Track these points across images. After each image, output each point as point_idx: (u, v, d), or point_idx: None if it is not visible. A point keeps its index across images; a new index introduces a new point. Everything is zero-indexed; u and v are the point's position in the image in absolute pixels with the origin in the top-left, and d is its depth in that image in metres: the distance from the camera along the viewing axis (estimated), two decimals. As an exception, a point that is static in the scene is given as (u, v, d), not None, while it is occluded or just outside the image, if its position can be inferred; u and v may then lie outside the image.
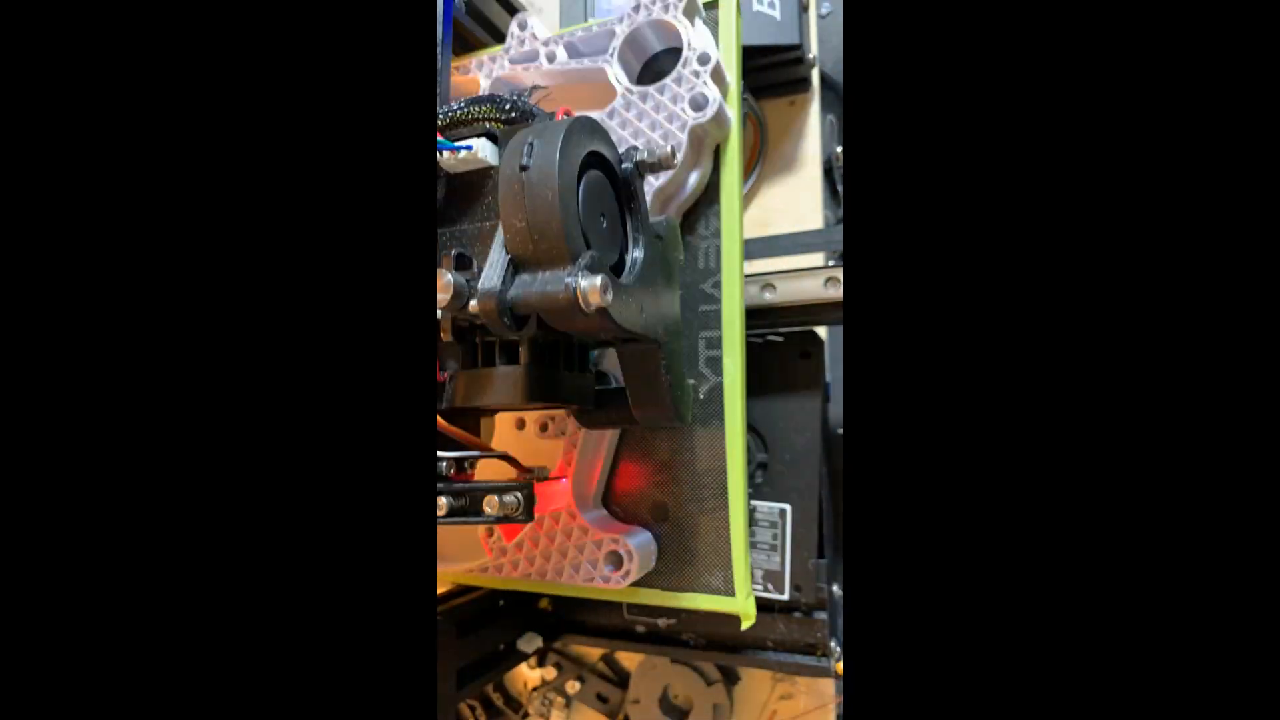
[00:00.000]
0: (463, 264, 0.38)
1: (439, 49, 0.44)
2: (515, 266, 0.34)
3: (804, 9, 0.74)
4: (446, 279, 0.34)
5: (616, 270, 0.38)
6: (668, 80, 0.49)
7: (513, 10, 0.68)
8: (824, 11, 0.81)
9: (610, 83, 0.51)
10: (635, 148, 0.41)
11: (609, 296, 0.32)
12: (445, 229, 0.41)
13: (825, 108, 0.79)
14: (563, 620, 0.75)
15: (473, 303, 0.33)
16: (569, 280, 0.32)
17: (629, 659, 0.78)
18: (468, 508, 0.39)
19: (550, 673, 0.80)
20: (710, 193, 0.50)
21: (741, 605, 0.48)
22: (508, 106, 0.40)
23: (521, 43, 0.56)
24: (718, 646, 0.70)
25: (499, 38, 0.68)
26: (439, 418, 0.40)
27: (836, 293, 0.58)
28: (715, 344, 0.49)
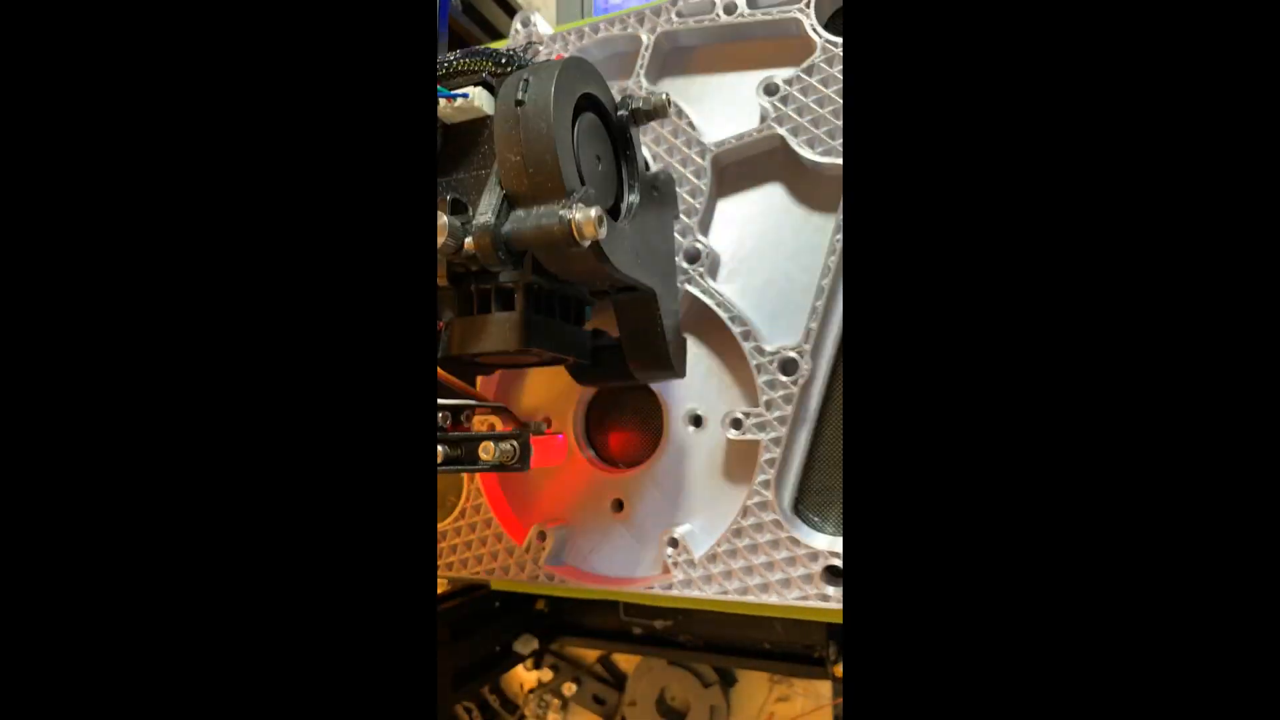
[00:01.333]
0: (458, 209, 0.38)
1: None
2: (510, 203, 0.35)
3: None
4: (442, 220, 0.34)
5: (613, 214, 0.39)
6: None
7: (510, 9, 0.66)
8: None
9: (806, 35, 0.47)
10: (630, 95, 0.41)
11: (603, 231, 0.33)
12: (442, 178, 0.40)
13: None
14: (559, 622, 0.74)
15: (467, 240, 0.34)
16: (563, 213, 0.33)
17: (626, 661, 0.77)
18: (463, 456, 0.40)
19: (547, 674, 0.79)
20: None
21: None
22: (504, 60, 0.40)
23: (691, -9, 0.51)
24: (714, 648, 0.70)
25: (495, 36, 0.66)
26: (438, 367, 0.41)
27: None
28: None
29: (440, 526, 0.56)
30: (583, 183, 0.35)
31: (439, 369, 0.41)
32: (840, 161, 0.45)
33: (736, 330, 0.46)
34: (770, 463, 0.45)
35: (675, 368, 0.44)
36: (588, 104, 0.38)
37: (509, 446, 0.40)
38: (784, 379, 0.44)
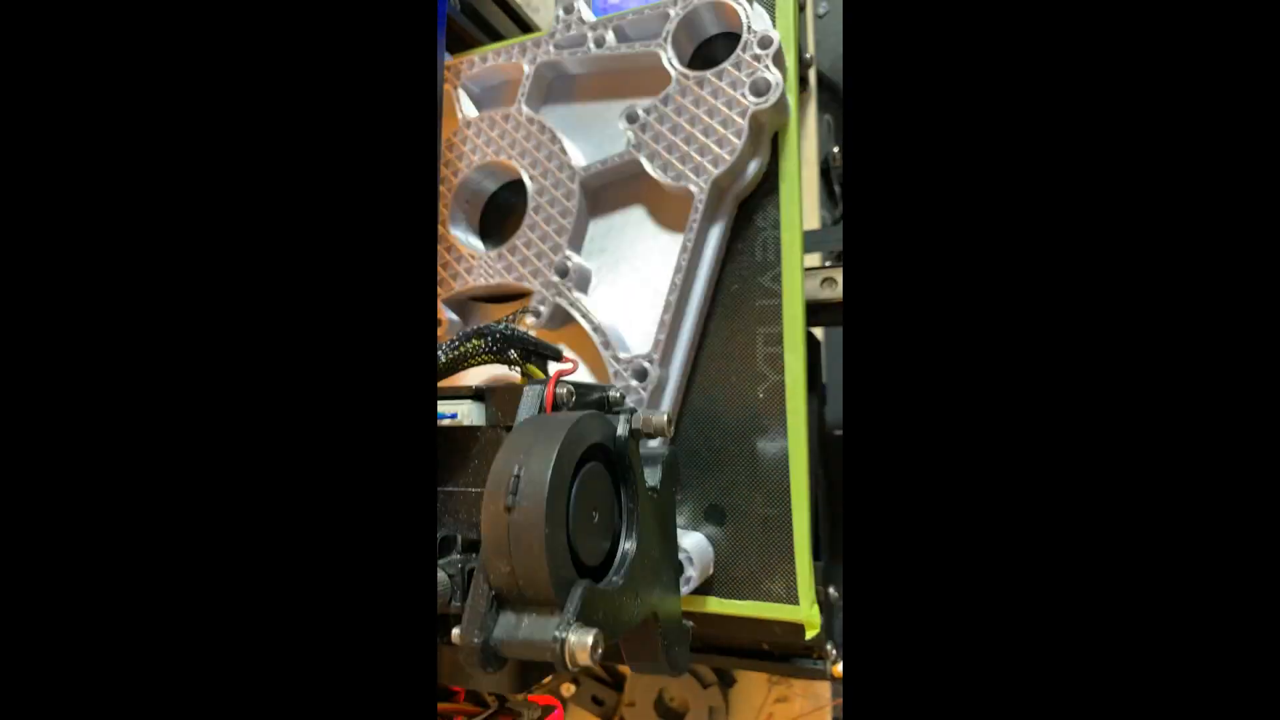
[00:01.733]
0: (446, 547, 0.37)
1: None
2: (499, 600, 0.32)
3: (801, 8, 0.74)
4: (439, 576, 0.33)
5: (605, 566, 0.36)
6: (726, 65, 0.48)
7: (509, 10, 0.68)
8: (821, 11, 0.81)
9: (664, 68, 0.50)
10: (632, 410, 0.39)
11: (599, 654, 0.30)
12: (439, 487, 0.40)
13: (821, 108, 0.79)
14: None
15: (455, 631, 0.32)
16: (557, 633, 0.30)
17: None
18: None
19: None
20: (768, 182, 0.49)
21: (806, 614, 0.46)
22: (492, 340, 0.40)
23: (568, 27, 0.56)
24: (713, 649, 0.68)
25: (494, 35, 0.68)
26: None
27: (833, 293, 0.58)
28: (774, 340, 0.47)
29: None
30: (578, 567, 0.32)
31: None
32: (687, 184, 0.48)
33: (597, 339, 0.50)
34: None
35: (675, 665, 0.42)
36: (588, 455, 0.34)
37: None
38: (635, 384, 0.47)
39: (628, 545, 0.37)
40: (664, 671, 0.41)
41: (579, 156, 0.54)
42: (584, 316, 0.51)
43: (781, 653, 0.66)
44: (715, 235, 0.48)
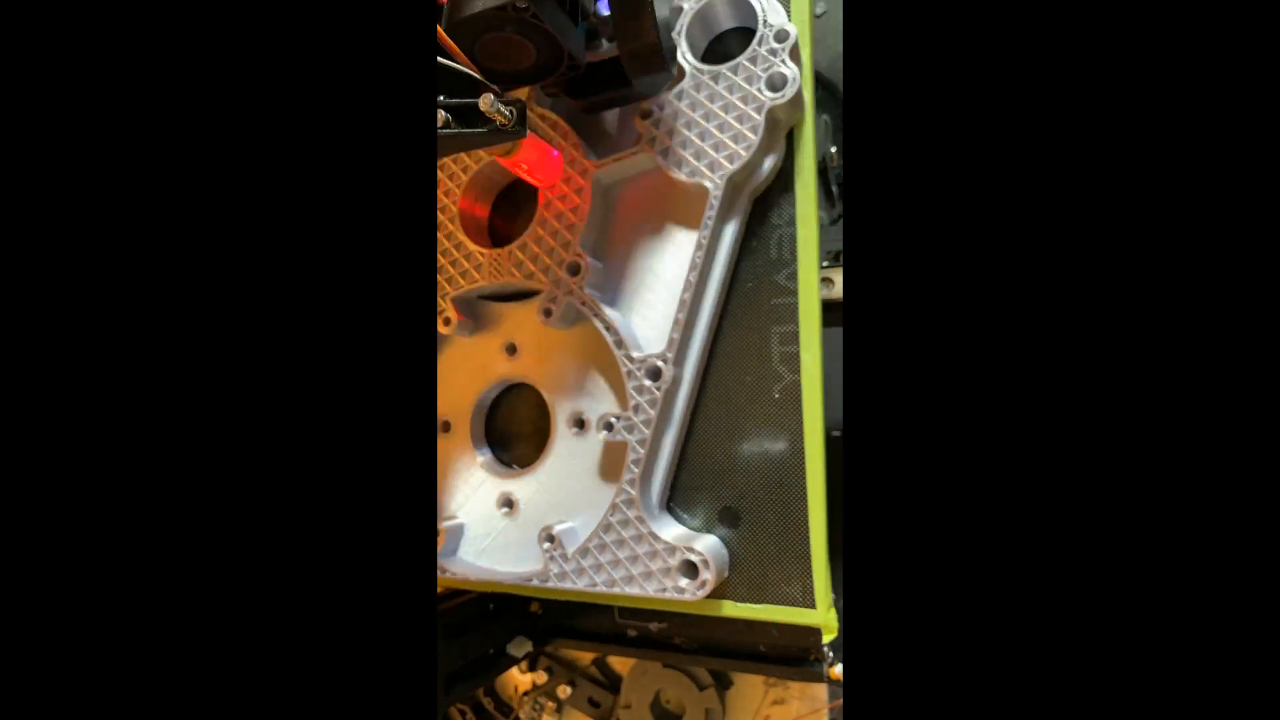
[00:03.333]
0: None
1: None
2: None
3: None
4: None
5: None
6: (742, 59, 0.47)
7: None
8: (819, 11, 0.81)
9: (679, 62, 0.50)
10: None
11: None
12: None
13: (819, 107, 0.78)
14: (554, 624, 0.73)
15: None
16: None
17: (621, 663, 0.77)
18: (464, 119, 0.39)
19: (541, 677, 0.79)
20: (783, 178, 0.48)
21: (823, 617, 0.46)
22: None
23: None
24: (710, 651, 0.69)
25: None
26: (439, 30, 0.39)
27: (830, 293, 0.58)
28: (790, 339, 0.47)
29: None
30: None
31: (440, 31, 0.39)
32: (702, 180, 0.47)
33: (610, 338, 0.49)
34: (636, 462, 0.47)
35: (667, 64, 0.44)
36: None
37: (509, 110, 0.39)
38: (648, 384, 0.47)
39: None
40: (663, 72, 0.43)
41: (590, 151, 0.53)
42: (596, 315, 0.50)
43: (778, 655, 0.66)
44: (730, 232, 0.48)
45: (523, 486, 0.56)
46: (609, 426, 0.49)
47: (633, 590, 0.47)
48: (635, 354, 0.48)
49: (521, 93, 0.53)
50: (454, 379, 0.59)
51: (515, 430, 0.60)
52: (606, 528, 0.48)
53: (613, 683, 0.77)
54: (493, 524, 0.57)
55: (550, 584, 0.50)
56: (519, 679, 0.80)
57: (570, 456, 0.54)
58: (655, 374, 0.47)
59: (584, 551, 0.49)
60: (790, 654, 0.66)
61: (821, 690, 0.71)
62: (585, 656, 0.79)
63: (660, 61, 0.43)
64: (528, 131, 0.40)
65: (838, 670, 0.68)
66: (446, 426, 0.60)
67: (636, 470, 0.47)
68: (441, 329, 0.57)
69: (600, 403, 0.53)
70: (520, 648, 0.72)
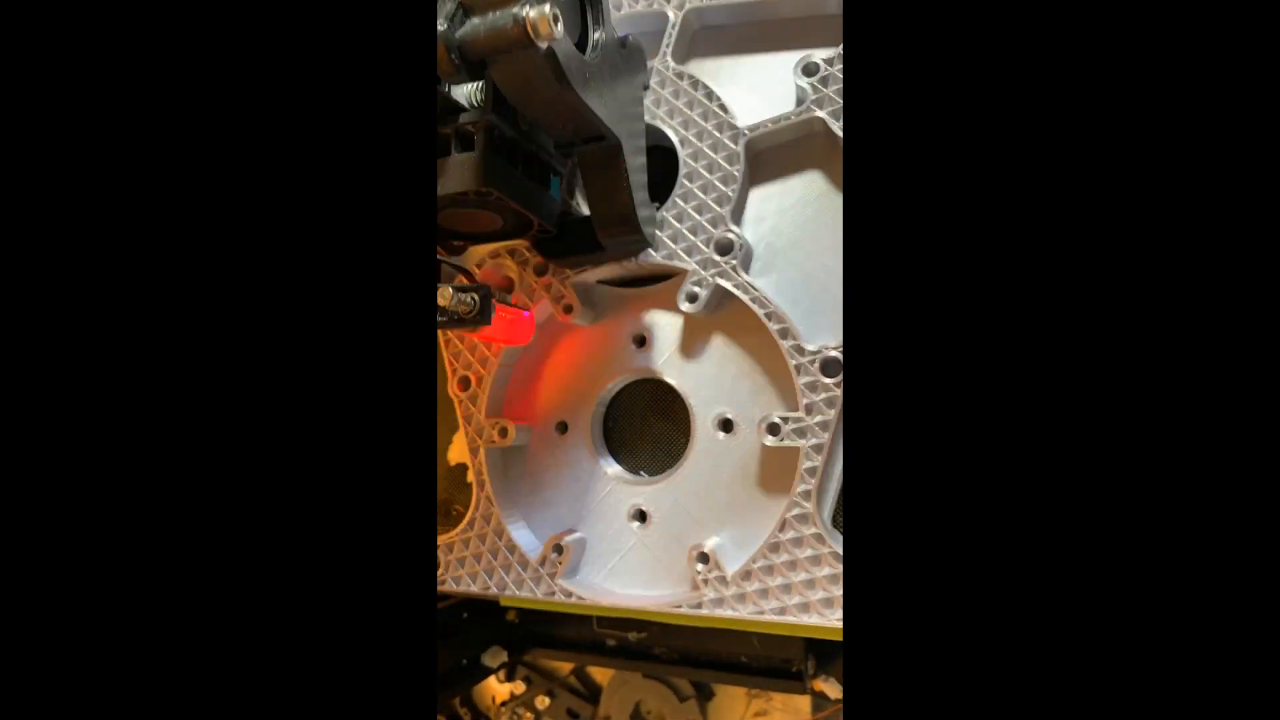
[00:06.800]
0: None
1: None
2: (465, 11, 0.33)
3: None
4: None
5: (579, 49, 0.37)
6: None
7: None
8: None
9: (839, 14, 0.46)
10: None
11: (559, 30, 0.31)
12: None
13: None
14: (530, 633, 0.72)
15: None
16: (517, 11, 0.31)
17: (601, 673, 0.77)
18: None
19: (519, 687, 0.79)
20: None
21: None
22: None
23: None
24: (691, 662, 0.68)
25: None
26: None
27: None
28: None
29: (447, 539, 0.53)
30: None
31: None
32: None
33: (774, 328, 0.43)
34: (811, 472, 0.42)
35: (643, 233, 0.42)
36: None
37: (469, 299, 0.38)
38: (826, 380, 0.41)
39: (597, 35, 0.39)
40: (638, 241, 0.43)
41: (742, 116, 0.47)
42: (755, 301, 0.44)
43: (760, 666, 0.65)
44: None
45: (656, 496, 0.49)
46: (774, 429, 0.42)
47: (810, 620, 0.41)
48: (807, 346, 0.42)
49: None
50: (570, 375, 0.53)
51: (632, 431, 0.53)
52: (775, 546, 0.42)
53: (592, 693, 0.77)
54: (623, 539, 0.50)
55: (704, 610, 0.44)
56: (497, 689, 0.80)
57: (714, 464, 0.47)
58: (832, 368, 0.41)
59: (746, 574, 0.43)
60: (772, 665, 0.66)
61: (804, 702, 0.71)
62: (564, 666, 0.78)
63: (633, 228, 0.42)
64: (491, 318, 0.39)
65: (820, 681, 0.67)
66: (563, 427, 0.53)
67: (812, 480, 0.41)
68: (560, 317, 0.50)
69: (752, 402, 0.46)
70: (496, 658, 0.71)
